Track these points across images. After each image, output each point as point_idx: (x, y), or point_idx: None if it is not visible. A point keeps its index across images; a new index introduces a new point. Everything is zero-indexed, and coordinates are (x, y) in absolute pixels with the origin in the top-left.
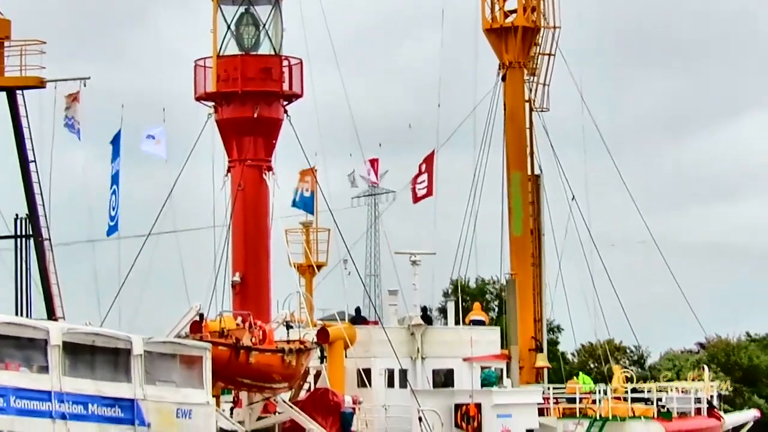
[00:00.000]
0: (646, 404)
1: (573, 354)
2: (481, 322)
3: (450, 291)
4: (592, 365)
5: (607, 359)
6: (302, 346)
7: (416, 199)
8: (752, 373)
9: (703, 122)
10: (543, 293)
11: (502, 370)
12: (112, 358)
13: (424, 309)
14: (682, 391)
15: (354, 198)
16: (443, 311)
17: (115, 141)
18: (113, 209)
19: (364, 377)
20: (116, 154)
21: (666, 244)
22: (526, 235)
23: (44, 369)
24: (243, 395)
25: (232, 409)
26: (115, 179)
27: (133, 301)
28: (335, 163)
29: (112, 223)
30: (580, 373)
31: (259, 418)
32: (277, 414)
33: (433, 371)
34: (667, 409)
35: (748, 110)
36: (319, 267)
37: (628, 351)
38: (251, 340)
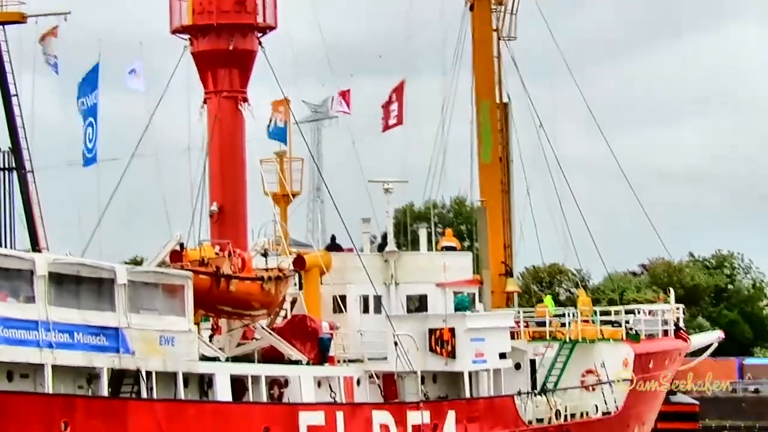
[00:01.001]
0: (613, 326)
1: (516, 277)
2: (452, 248)
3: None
4: (535, 288)
5: (551, 283)
6: (281, 274)
7: (386, 127)
8: (694, 293)
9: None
10: (512, 219)
11: (474, 294)
12: (97, 287)
13: (384, 236)
14: (650, 314)
15: (296, 123)
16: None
17: (93, 74)
18: (90, 141)
19: (340, 303)
20: (94, 86)
21: (612, 166)
22: (495, 162)
23: (31, 299)
24: (222, 322)
25: (211, 336)
26: (92, 112)
27: (113, 231)
28: (308, 93)
29: (89, 155)
30: (549, 296)
31: (239, 345)
32: (256, 340)
33: (407, 297)
34: (636, 331)
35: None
36: (294, 196)
37: (570, 274)
38: (231, 268)
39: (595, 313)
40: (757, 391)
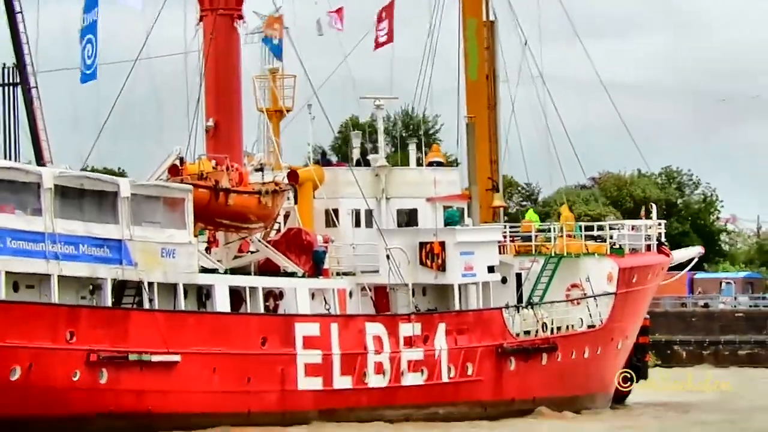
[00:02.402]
0: (596, 241)
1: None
2: (440, 164)
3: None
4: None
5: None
6: (277, 188)
7: (377, 45)
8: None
9: None
10: (498, 135)
11: (463, 209)
12: (100, 200)
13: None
14: (633, 229)
15: (247, 35)
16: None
17: None
18: (89, 57)
19: (333, 217)
20: (94, 3)
21: (558, 79)
22: (482, 79)
23: (37, 211)
24: (220, 235)
25: (207, 249)
26: (91, 29)
27: (112, 144)
28: (302, 10)
29: (88, 72)
30: (531, 209)
31: (235, 257)
32: (252, 253)
33: (398, 211)
34: (620, 245)
35: None
36: (288, 111)
37: (519, 187)
38: (229, 182)
39: (579, 228)
40: (706, 305)
